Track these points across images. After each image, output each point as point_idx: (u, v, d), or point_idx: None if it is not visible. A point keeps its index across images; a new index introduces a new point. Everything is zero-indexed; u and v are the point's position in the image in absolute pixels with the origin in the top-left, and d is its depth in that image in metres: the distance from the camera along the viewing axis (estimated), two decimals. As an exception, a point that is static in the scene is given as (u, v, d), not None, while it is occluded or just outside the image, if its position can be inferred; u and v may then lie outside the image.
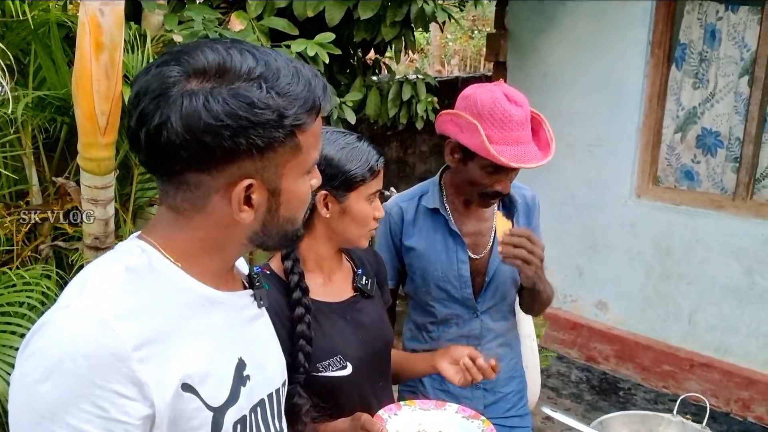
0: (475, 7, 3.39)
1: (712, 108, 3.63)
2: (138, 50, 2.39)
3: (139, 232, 0.86)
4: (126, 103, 2.12)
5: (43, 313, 2.04)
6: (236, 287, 0.94)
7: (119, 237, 2.45)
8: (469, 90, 1.61)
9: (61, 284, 2.20)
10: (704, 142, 3.69)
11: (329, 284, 1.39)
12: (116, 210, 2.32)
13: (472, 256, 1.74)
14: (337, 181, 1.28)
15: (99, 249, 2.19)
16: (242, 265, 1.02)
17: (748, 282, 3.43)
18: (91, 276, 0.78)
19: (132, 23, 2.47)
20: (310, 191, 0.88)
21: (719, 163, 3.66)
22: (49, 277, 2.14)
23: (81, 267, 2.20)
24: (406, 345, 1.87)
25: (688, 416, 1.43)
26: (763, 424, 3.40)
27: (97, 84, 1.96)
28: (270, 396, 0.94)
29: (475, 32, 11.67)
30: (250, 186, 0.77)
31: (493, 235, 1.74)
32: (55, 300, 2.10)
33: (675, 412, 1.41)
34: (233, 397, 0.84)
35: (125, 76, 2.21)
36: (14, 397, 0.73)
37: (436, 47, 11.77)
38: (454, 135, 1.61)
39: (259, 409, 0.91)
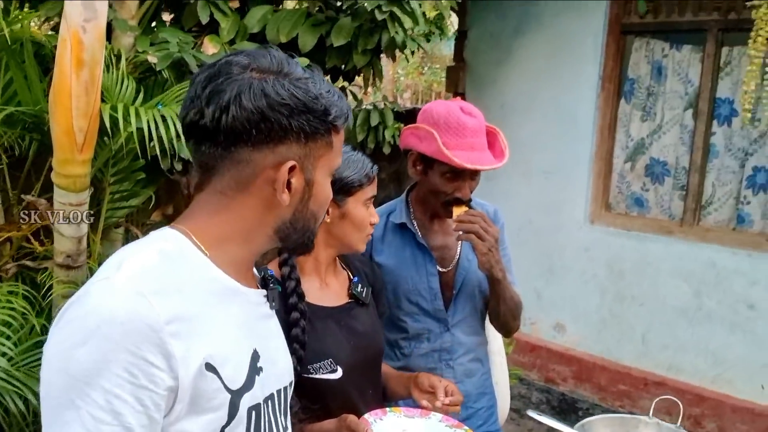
0: (440, 39, 3.52)
1: (659, 139, 3.85)
2: (113, 69, 2.39)
3: (169, 225, 0.90)
4: (103, 120, 2.12)
5: (14, 329, 1.98)
6: (253, 285, 0.98)
7: (89, 256, 2.41)
8: (428, 105, 1.72)
9: (30, 300, 2.14)
10: (653, 170, 3.90)
11: (325, 289, 1.43)
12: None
13: (440, 269, 1.78)
14: (337, 186, 1.35)
15: (71, 268, 2.14)
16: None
17: (697, 303, 3.61)
18: (128, 256, 0.82)
19: (107, 42, 2.47)
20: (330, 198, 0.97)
21: (667, 190, 3.87)
22: (17, 293, 2.09)
23: (51, 287, 2.15)
24: None
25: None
26: (713, 439, 3.55)
27: (77, 100, 1.95)
28: (279, 392, 0.98)
29: (426, 68, 11.98)
30: (292, 168, 0.87)
31: (459, 248, 1.81)
32: (23, 315, 2.04)
33: (651, 414, 1.49)
34: (249, 383, 0.88)
35: (101, 94, 2.21)
36: (49, 364, 0.76)
37: (388, 81, 12.01)
38: (414, 146, 1.69)
39: (270, 401, 0.94)
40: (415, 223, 1.79)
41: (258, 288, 1.00)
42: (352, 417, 1.24)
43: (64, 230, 2.09)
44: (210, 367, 0.80)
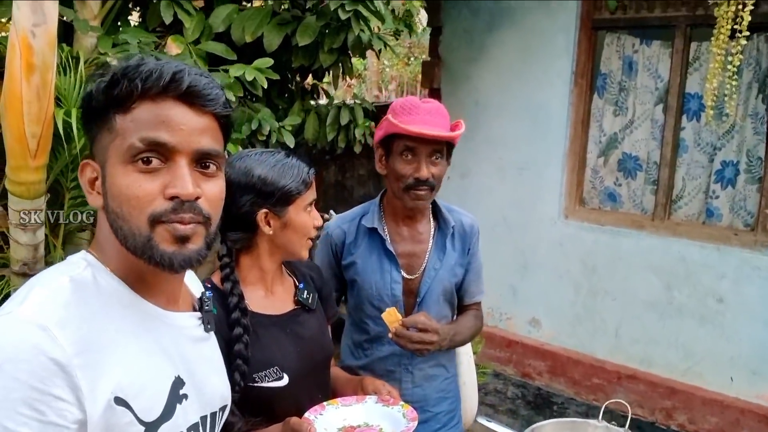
0: (410, 36, 3.50)
1: (631, 134, 3.87)
2: (71, 72, 2.35)
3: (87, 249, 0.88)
4: (57, 126, 2.09)
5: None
6: (183, 308, 0.96)
7: (49, 263, 2.38)
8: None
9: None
10: (625, 165, 3.92)
11: (270, 297, 1.42)
12: (45, 236, 2.26)
13: (406, 276, 1.79)
14: (275, 198, 1.34)
15: (27, 275, 2.12)
16: (196, 288, 1.04)
17: (668, 297, 3.64)
18: (35, 285, 0.80)
19: (64, 45, 2.43)
20: (143, 189, 0.81)
21: (639, 185, 3.89)
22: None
23: (8, 294, 2.12)
24: (344, 361, 1.91)
25: (613, 422, 1.52)
26: (685, 431, 3.59)
27: (28, 106, 1.92)
28: (205, 418, 0.96)
29: (412, 59, 11.94)
30: (84, 167, 0.87)
31: (427, 256, 1.81)
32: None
33: (600, 418, 1.49)
34: (167, 414, 0.86)
35: (57, 99, 2.17)
36: None
37: (374, 73, 11.97)
38: (377, 139, 1.75)
39: (194, 430, 0.92)
40: (385, 228, 1.80)
41: (192, 310, 0.98)
42: (294, 418, 1.25)
43: (19, 237, 2.06)
44: (120, 401, 0.79)
